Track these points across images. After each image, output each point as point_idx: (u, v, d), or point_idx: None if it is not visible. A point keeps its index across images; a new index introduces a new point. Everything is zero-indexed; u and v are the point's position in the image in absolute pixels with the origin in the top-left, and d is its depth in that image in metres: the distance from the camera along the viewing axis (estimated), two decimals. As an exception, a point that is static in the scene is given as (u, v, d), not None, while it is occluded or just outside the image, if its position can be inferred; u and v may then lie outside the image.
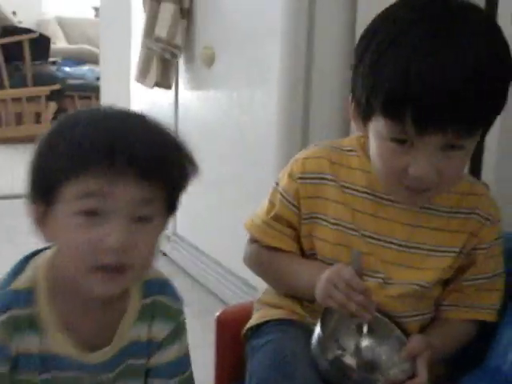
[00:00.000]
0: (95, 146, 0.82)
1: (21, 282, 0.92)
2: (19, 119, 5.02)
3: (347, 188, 1.07)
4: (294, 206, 1.09)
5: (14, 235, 2.74)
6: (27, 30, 5.00)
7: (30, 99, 4.96)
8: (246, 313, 1.20)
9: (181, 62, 2.39)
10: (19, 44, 4.80)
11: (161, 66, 2.34)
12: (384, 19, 0.98)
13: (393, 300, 1.06)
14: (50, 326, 0.92)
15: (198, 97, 2.33)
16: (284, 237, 1.11)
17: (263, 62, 1.92)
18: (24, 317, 0.91)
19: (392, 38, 0.92)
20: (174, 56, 2.32)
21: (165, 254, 2.67)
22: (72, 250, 0.86)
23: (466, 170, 1.62)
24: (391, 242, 1.06)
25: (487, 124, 0.97)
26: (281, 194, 1.10)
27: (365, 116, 0.99)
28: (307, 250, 1.11)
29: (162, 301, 0.98)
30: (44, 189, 0.87)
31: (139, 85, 2.49)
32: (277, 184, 1.12)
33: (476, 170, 1.54)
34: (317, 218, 1.08)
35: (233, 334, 1.20)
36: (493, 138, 1.44)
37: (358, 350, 1.04)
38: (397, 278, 1.06)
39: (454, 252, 1.06)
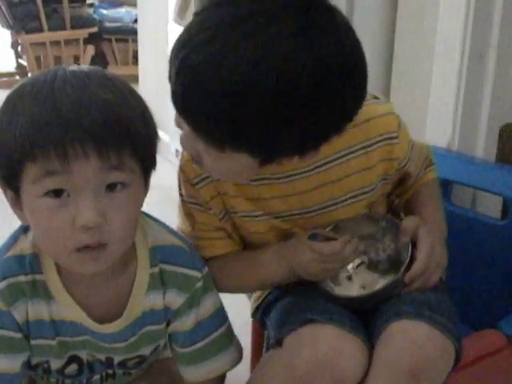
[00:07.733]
0: (48, 124, 0.78)
1: (24, 247, 0.89)
2: (58, 62, 5.03)
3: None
4: (207, 208, 1.05)
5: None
6: (64, -28, 4.96)
7: (68, 42, 4.96)
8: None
9: (219, 2, 2.34)
10: (56, -15, 4.77)
11: (199, 6, 2.31)
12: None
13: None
14: (59, 293, 0.89)
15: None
16: (216, 241, 1.07)
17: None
18: (26, 284, 0.88)
19: None
20: (213, -4, 2.27)
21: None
22: (46, 234, 0.82)
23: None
24: (310, 212, 1.03)
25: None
26: (191, 203, 1.07)
27: None
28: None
29: (169, 270, 0.93)
30: (7, 174, 0.82)
31: (177, 26, 2.47)
32: (181, 196, 1.08)
33: None
34: (230, 212, 1.06)
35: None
36: None
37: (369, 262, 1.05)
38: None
39: (372, 189, 1.03)
